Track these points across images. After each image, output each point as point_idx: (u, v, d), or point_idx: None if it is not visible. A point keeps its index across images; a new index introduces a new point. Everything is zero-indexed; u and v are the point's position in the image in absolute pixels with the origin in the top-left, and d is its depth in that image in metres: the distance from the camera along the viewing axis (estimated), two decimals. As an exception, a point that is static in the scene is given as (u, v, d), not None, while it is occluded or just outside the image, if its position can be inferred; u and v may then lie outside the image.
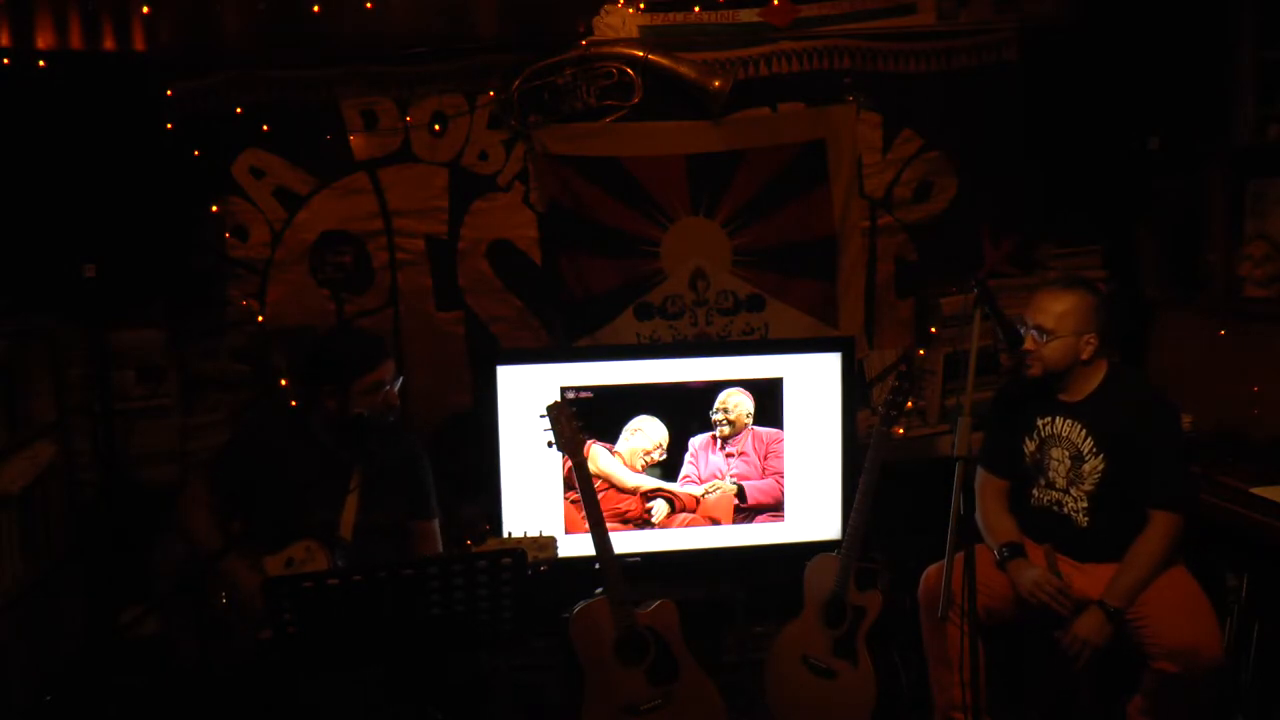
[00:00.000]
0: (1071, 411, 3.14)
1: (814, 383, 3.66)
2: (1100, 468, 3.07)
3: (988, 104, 3.93)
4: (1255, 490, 3.26)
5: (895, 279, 4.03)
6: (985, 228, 3.98)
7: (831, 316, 3.99)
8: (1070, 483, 3.13)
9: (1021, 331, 3.13)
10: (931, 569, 3.19)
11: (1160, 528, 3.00)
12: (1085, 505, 3.11)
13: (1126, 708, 3.03)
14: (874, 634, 3.31)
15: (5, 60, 3.40)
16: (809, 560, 3.46)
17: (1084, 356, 3.10)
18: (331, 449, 3.06)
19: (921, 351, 4.05)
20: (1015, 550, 3.13)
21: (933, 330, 4.02)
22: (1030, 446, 3.22)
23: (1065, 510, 3.14)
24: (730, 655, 3.71)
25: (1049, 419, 3.17)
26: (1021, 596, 3.06)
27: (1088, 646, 2.94)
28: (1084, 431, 3.11)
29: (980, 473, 3.32)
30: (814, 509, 3.70)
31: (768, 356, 3.67)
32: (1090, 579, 3.04)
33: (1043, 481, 3.19)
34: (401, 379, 3.12)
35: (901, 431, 3.87)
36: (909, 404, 3.77)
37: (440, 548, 3.18)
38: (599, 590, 3.20)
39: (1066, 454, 3.13)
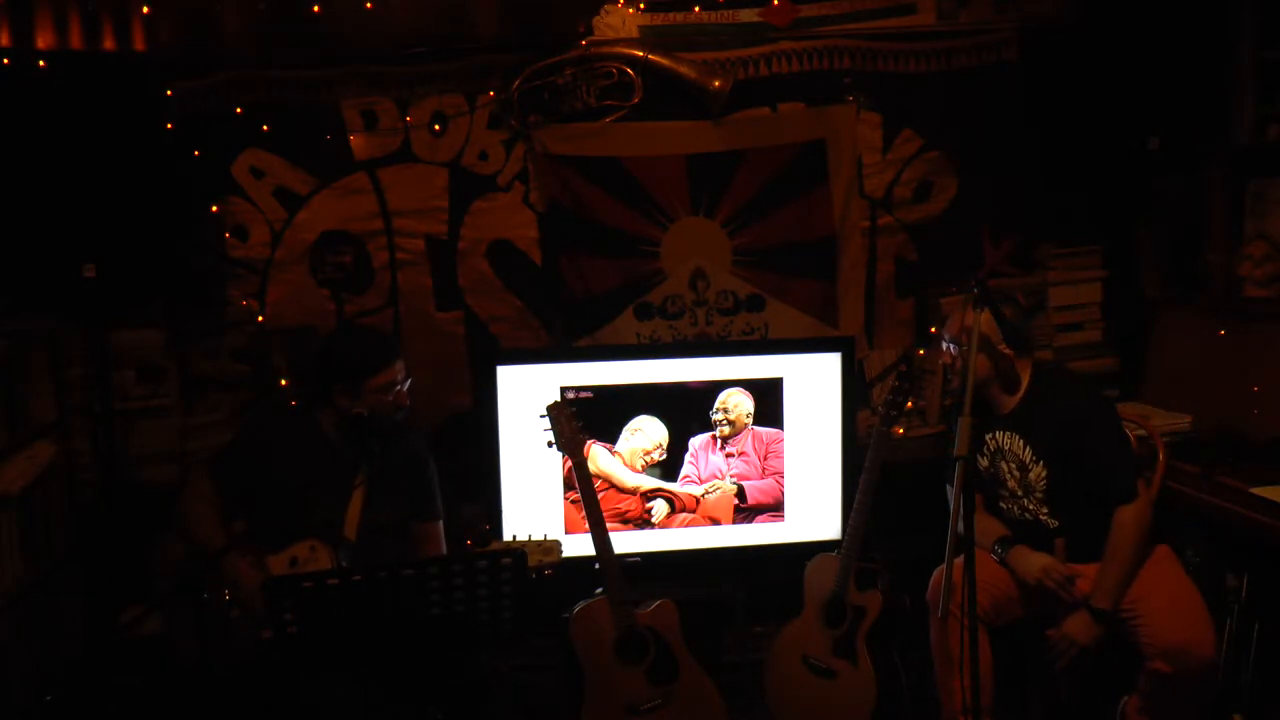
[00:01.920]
0: (1006, 424, 3.18)
1: (814, 383, 3.66)
2: (1044, 474, 3.11)
3: (988, 104, 3.92)
4: (1255, 490, 3.25)
5: (895, 279, 4.02)
6: (985, 228, 3.98)
7: (831, 316, 3.99)
8: (1025, 490, 3.16)
9: (943, 347, 3.21)
10: (939, 571, 3.19)
11: (1124, 521, 3.00)
12: (1046, 510, 3.14)
13: (1124, 707, 3.04)
14: (874, 634, 3.30)
15: (5, 60, 3.40)
16: (809, 560, 3.46)
17: (1000, 366, 3.13)
18: (338, 448, 3.06)
19: (921, 351, 4.05)
20: (1008, 542, 3.15)
21: (933, 330, 4.02)
22: (983, 463, 3.25)
23: (1034, 516, 3.17)
24: (730, 655, 3.71)
25: (992, 434, 3.22)
26: (1028, 587, 3.08)
27: (1075, 646, 2.96)
28: (1021, 441, 3.15)
29: (951, 489, 3.34)
30: (814, 509, 3.69)
31: (768, 356, 3.67)
32: (1082, 580, 3.05)
33: (1005, 493, 3.23)
34: (410, 379, 3.12)
35: (901, 431, 3.88)
36: (909, 404, 3.77)
37: (444, 549, 3.18)
38: (599, 590, 3.20)
39: (1013, 465, 3.17)
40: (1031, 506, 3.16)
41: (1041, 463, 3.10)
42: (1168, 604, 2.94)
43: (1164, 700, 2.91)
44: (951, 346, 3.17)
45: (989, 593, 3.10)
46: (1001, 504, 3.25)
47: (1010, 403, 3.18)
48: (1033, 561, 3.07)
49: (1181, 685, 2.86)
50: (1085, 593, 3.00)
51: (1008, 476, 3.19)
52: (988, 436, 3.22)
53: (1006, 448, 3.18)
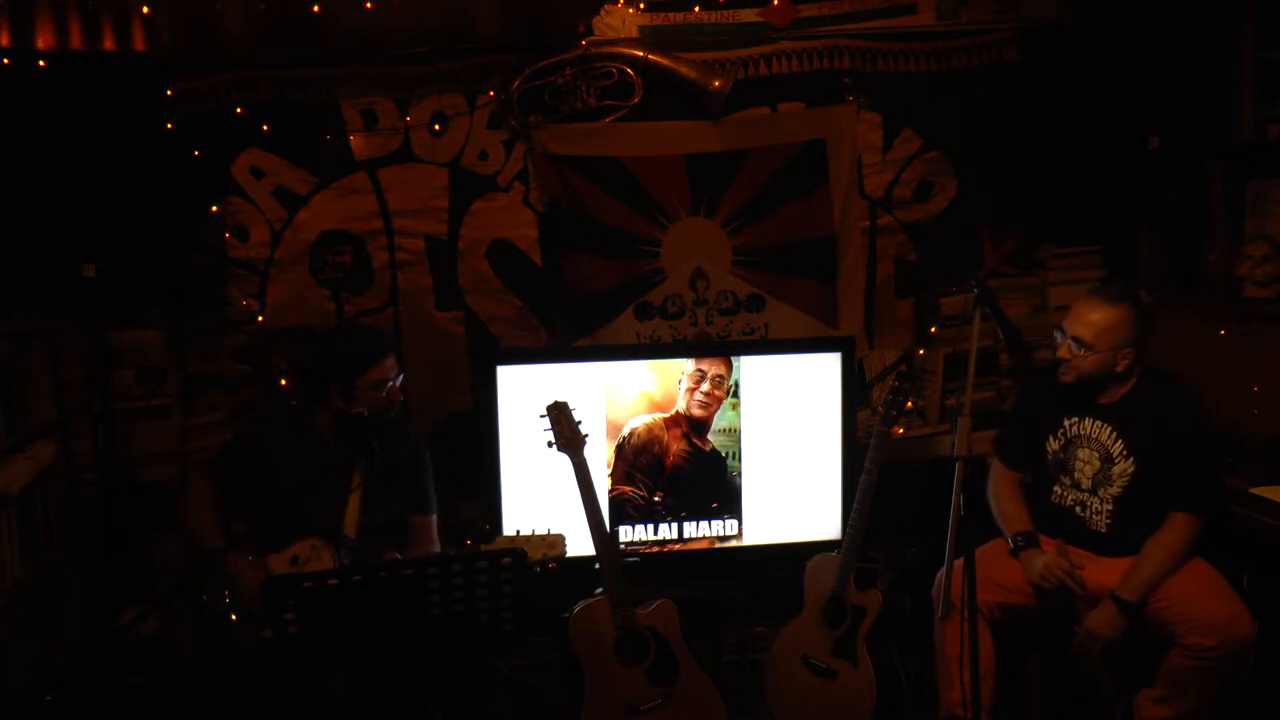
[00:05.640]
0: (1102, 413, 3.12)
1: (814, 383, 3.65)
2: (1130, 470, 3.07)
3: (988, 104, 3.93)
4: (1255, 490, 3.25)
5: (895, 279, 4.03)
6: (985, 228, 3.97)
7: (831, 316, 3.99)
8: (1097, 484, 3.12)
9: (1058, 337, 3.13)
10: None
11: (1177, 528, 2.99)
12: (1109, 509, 3.10)
13: (1135, 700, 3.02)
14: (874, 634, 3.30)
15: (5, 60, 3.40)
16: (809, 560, 3.46)
17: (1119, 370, 3.07)
18: (335, 447, 3.07)
19: (921, 351, 4.05)
20: (1029, 539, 3.14)
21: (933, 330, 4.02)
22: (1054, 446, 3.21)
23: (1087, 513, 3.14)
24: (730, 655, 3.71)
25: (1076, 419, 3.16)
26: (1037, 585, 3.07)
27: (1100, 640, 2.94)
28: (1114, 434, 3.09)
29: (995, 463, 3.32)
30: (814, 509, 3.69)
31: (768, 356, 3.67)
32: (1104, 570, 3.04)
33: (1067, 481, 3.18)
34: (403, 375, 3.12)
35: (901, 431, 3.87)
36: (909, 404, 3.76)
37: (437, 543, 3.19)
38: (599, 590, 3.20)
39: (1095, 455, 3.12)
40: (1093, 504, 3.12)
41: (1132, 459, 3.05)
42: (1201, 586, 2.94)
43: (1193, 680, 2.88)
44: (1071, 343, 3.06)
45: (999, 595, 3.10)
46: (1056, 488, 3.20)
47: (1116, 394, 3.11)
48: (1037, 562, 3.07)
49: (1218, 660, 2.84)
50: (1100, 585, 2.99)
51: (1082, 464, 3.14)
52: (1067, 421, 3.17)
53: (1093, 436, 3.12)
